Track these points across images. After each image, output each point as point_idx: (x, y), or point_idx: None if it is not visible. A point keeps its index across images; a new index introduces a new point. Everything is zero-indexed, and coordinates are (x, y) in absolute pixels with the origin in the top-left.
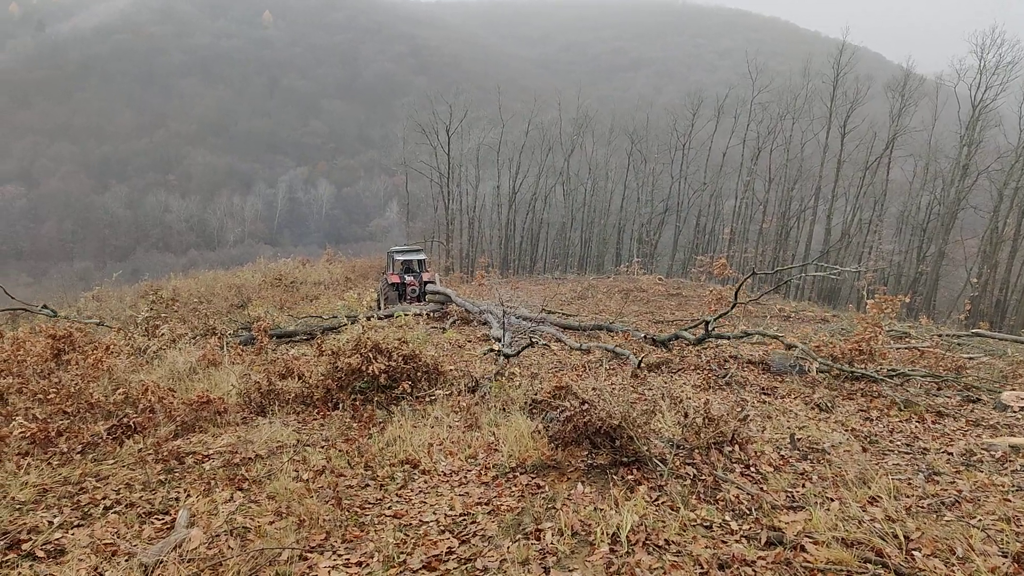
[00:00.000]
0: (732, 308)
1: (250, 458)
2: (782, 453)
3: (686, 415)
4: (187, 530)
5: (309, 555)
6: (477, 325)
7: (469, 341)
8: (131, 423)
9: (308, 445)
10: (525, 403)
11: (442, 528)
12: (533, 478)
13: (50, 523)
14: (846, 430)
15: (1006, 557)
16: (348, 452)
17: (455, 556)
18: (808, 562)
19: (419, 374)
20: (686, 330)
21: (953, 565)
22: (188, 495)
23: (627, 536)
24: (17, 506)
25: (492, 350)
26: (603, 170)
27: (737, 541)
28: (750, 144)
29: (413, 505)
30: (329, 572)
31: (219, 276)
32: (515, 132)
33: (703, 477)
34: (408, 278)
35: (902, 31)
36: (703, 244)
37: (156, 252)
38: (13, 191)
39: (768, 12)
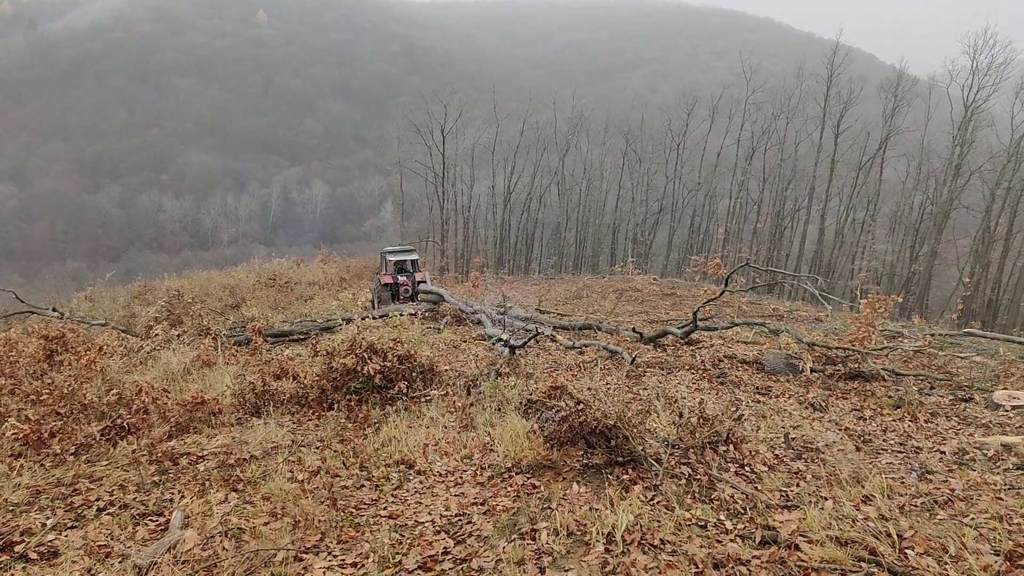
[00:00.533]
0: (721, 294)
1: (245, 459)
2: (776, 452)
3: (681, 415)
4: (181, 531)
5: (304, 556)
6: (471, 325)
7: (464, 341)
8: (125, 424)
9: (303, 446)
10: (520, 403)
11: (438, 528)
12: (529, 478)
13: (43, 525)
14: (840, 429)
15: (999, 555)
16: (343, 452)
17: (451, 556)
18: (802, 561)
19: (414, 374)
20: (677, 328)
21: (946, 563)
22: (182, 496)
23: (622, 536)
24: (10, 508)
25: (501, 339)
26: (598, 170)
27: (732, 540)
28: (744, 144)
29: (408, 505)
30: (324, 573)
31: (213, 276)
32: (510, 132)
33: (698, 477)
34: (401, 278)
35: (896, 33)
36: (697, 244)
37: (149, 252)
38: (5, 191)
39: (763, 13)
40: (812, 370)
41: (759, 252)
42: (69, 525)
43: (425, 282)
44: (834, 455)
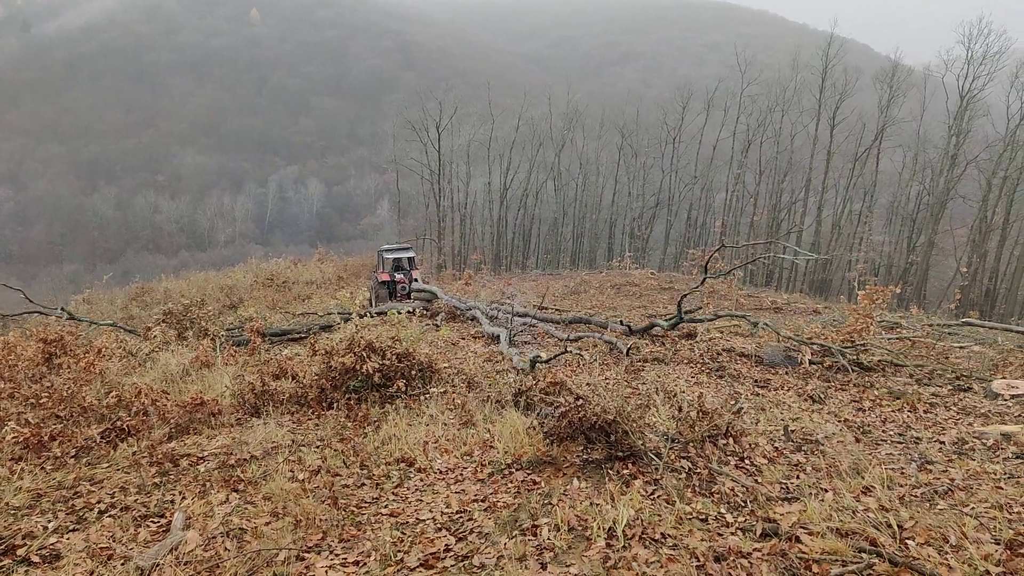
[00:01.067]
0: (702, 282)
1: (245, 459)
2: (776, 445)
3: (680, 409)
4: (183, 532)
5: (306, 555)
6: (465, 321)
7: (463, 338)
8: (125, 426)
9: (303, 445)
10: (512, 396)
11: (439, 526)
12: (529, 474)
13: (45, 528)
14: (839, 421)
15: (999, 544)
16: (343, 451)
17: (452, 553)
18: (803, 553)
19: (413, 372)
20: (663, 320)
21: (947, 553)
22: (183, 497)
23: (623, 530)
24: (11, 511)
25: (539, 356)
26: (594, 165)
27: (733, 533)
28: (740, 137)
29: (409, 503)
30: (326, 572)
31: (210, 277)
32: (505, 128)
33: (698, 470)
34: (398, 276)
35: (890, 23)
36: (694, 237)
37: (146, 253)
38: (1, 194)
39: (756, 6)
40: (811, 362)
41: (756, 245)
42: (71, 528)
43: (416, 280)
44: (834, 447)
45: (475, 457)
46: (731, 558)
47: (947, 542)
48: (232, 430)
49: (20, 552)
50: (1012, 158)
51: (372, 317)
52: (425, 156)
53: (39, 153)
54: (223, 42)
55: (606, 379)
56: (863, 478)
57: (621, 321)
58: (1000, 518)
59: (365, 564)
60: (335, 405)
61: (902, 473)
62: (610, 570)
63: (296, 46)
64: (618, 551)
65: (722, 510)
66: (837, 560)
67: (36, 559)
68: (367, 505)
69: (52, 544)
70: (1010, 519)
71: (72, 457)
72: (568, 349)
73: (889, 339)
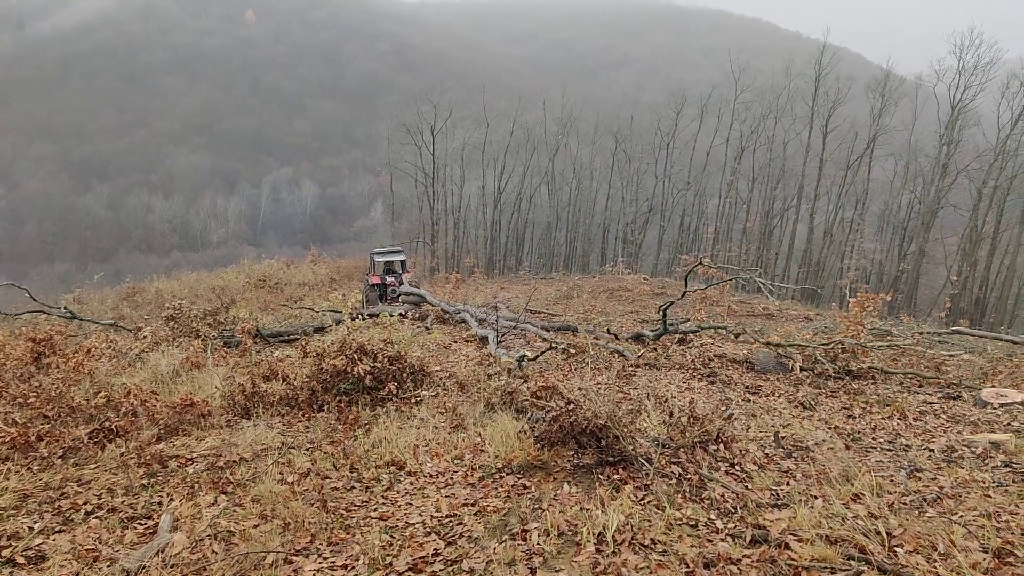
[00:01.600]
0: (683, 295)
1: (234, 461)
2: (766, 451)
3: (671, 414)
4: (170, 535)
5: (294, 558)
6: (456, 324)
7: (455, 341)
8: (113, 427)
9: (293, 447)
10: (510, 403)
11: (428, 530)
12: (519, 479)
13: (31, 529)
14: (829, 428)
15: (987, 553)
16: (333, 454)
17: (441, 558)
18: (792, 560)
19: (404, 375)
20: (649, 330)
21: (935, 561)
22: (171, 499)
23: (613, 536)
24: None
25: (525, 356)
26: (588, 170)
27: (722, 539)
28: (733, 143)
29: (399, 507)
30: (315, 575)
31: (202, 278)
32: (500, 132)
33: (688, 476)
34: (389, 279)
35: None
36: (687, 243)
37: (139, 253)
38: None
39: (750, 13)
40: (802, 368)
41: (748, 251)
42: (57, 529)
43: (403, 283)
44: (824, 453)
45: (465, 461)
46: (721, 564)
47: (935, 550)
48: (222, 432)
49: (5, 553)
50: (1003, 168)
51: (364, 319)
52: (419, 159)
53: (31, 152)
54: (217, 42)
55: (597, 384)
56: (853, 485)
57: (608, 330)
58: (988, 526)
59: (354, 567)
60: (326, 407)
61: (891, 480)
62: (599, 575)
63: (290, 47)
64: (608, 556)
65: (712, 516)
66: (826, 567)
67: (21, 560)
68: (356, 508)
69: (38, 545)
70: (998, 527)
71: (59, 458)
72: (554, 346)
73: (879, 346)
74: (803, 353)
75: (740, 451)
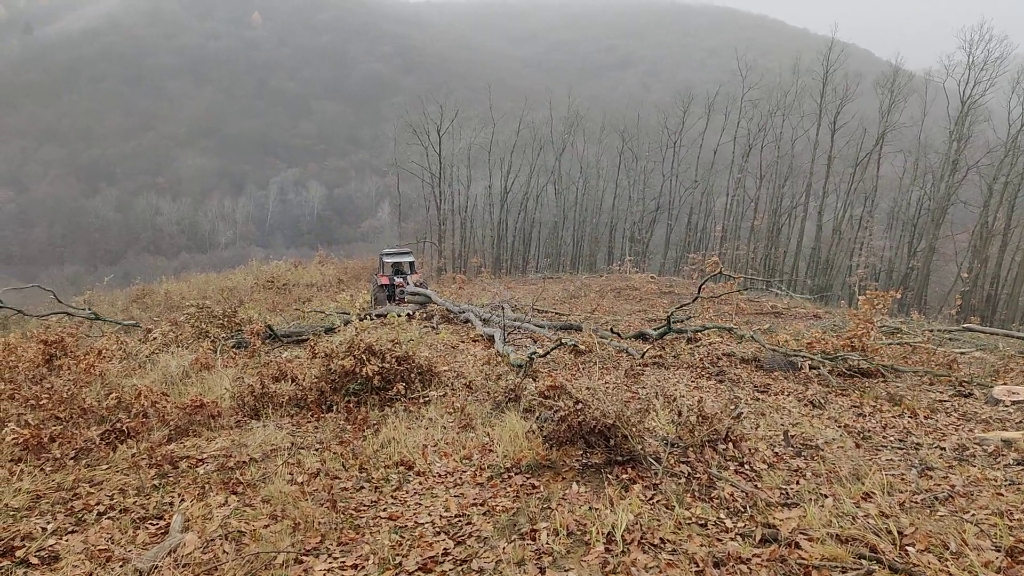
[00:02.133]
0: (694, 300)
1: (244, 461)
2: (776, 450)
3: (680, 413)
4: (181, 535)
5: (304, 558)
6: (460, 324)
7: (462, 341)
8: (124, 428)
9: (302, 448)
10: (518, 402)
11: (438, 529)
12: (528, 478)
13: (44, 529)
14: (839, 426)
15: (999, 551)
16: (342, 454)
17: (451, 557)
18: (803, 559)
19: (413, 375)
20: (653, 330)
21: (947, 560)
22: (182, 500)
23: (622, 535)
24: (11, 512)
25: (536, 352)
26: (594, 169)
27: (732, 539)
28: (741, 141)
29: (408, 507)
30: (325, 575)
31: (211, 279)
32: (506, 132)
33: (697, 475)
34: (397, 279)
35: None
36: (695, 242)
37: (147, 255)
38: (2, 196)
39: (756, 10)
40: (811, 367)
41: (757, 249)
42: (70, 529)
43: (409, 284)
44: (834, 452)
45: (474, 461)
46: (730, 564)
47: (947, 549)
48: (231, 432)
49: (19, 553)
50: (1013, 164)
51: (372, 320)
52: (426, 159)
53: (40, 155)
54: (222, 45)
55: (606, 383)
56: (863, 484)
57: (611, 329)
58: (1001, 525)
59: (363, 567)
60: (334, 408)
61: (902, 479)
62: (609, 575)
63: (295, 49)
64: (617, 556)
65: (721, 515)
66: (837, 566)
67: (35, 560)
68: (366, 508)
69: (51, 546)
70: (1011, 526)
71: (71, 459)
72: (563, 342)
73: (889, 344)
74: (814, 352)
75: (749, 450)
